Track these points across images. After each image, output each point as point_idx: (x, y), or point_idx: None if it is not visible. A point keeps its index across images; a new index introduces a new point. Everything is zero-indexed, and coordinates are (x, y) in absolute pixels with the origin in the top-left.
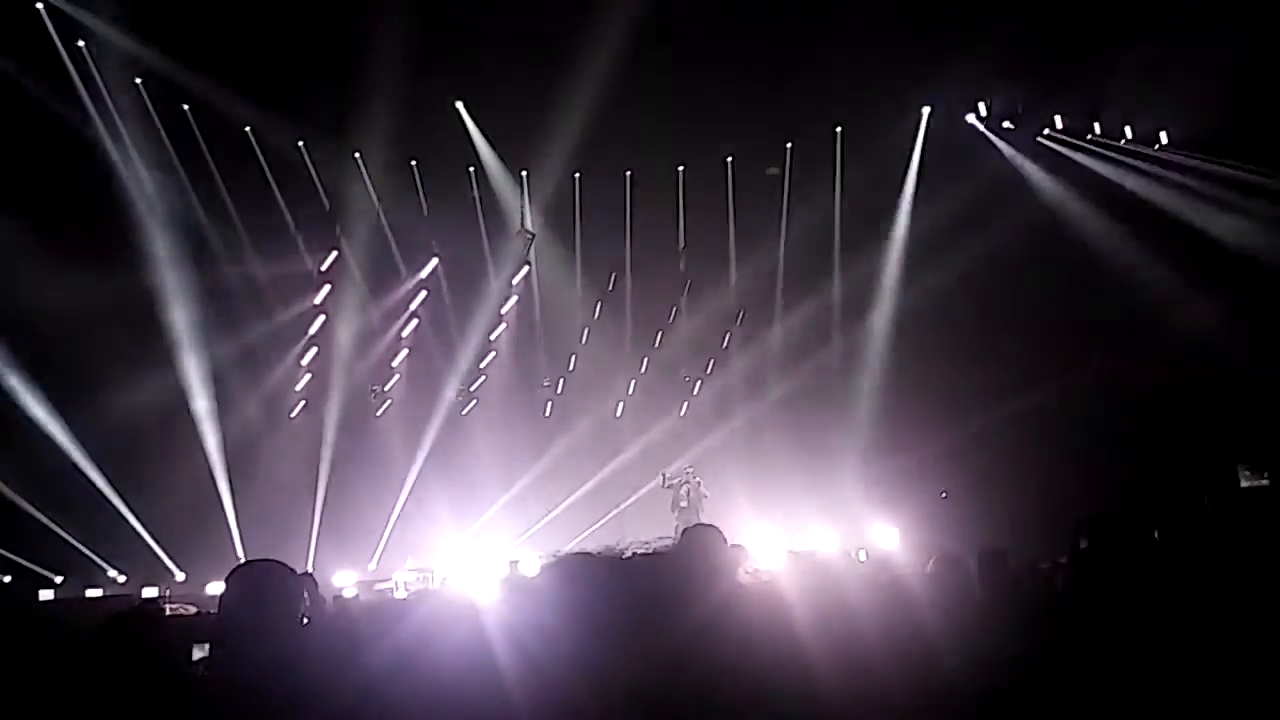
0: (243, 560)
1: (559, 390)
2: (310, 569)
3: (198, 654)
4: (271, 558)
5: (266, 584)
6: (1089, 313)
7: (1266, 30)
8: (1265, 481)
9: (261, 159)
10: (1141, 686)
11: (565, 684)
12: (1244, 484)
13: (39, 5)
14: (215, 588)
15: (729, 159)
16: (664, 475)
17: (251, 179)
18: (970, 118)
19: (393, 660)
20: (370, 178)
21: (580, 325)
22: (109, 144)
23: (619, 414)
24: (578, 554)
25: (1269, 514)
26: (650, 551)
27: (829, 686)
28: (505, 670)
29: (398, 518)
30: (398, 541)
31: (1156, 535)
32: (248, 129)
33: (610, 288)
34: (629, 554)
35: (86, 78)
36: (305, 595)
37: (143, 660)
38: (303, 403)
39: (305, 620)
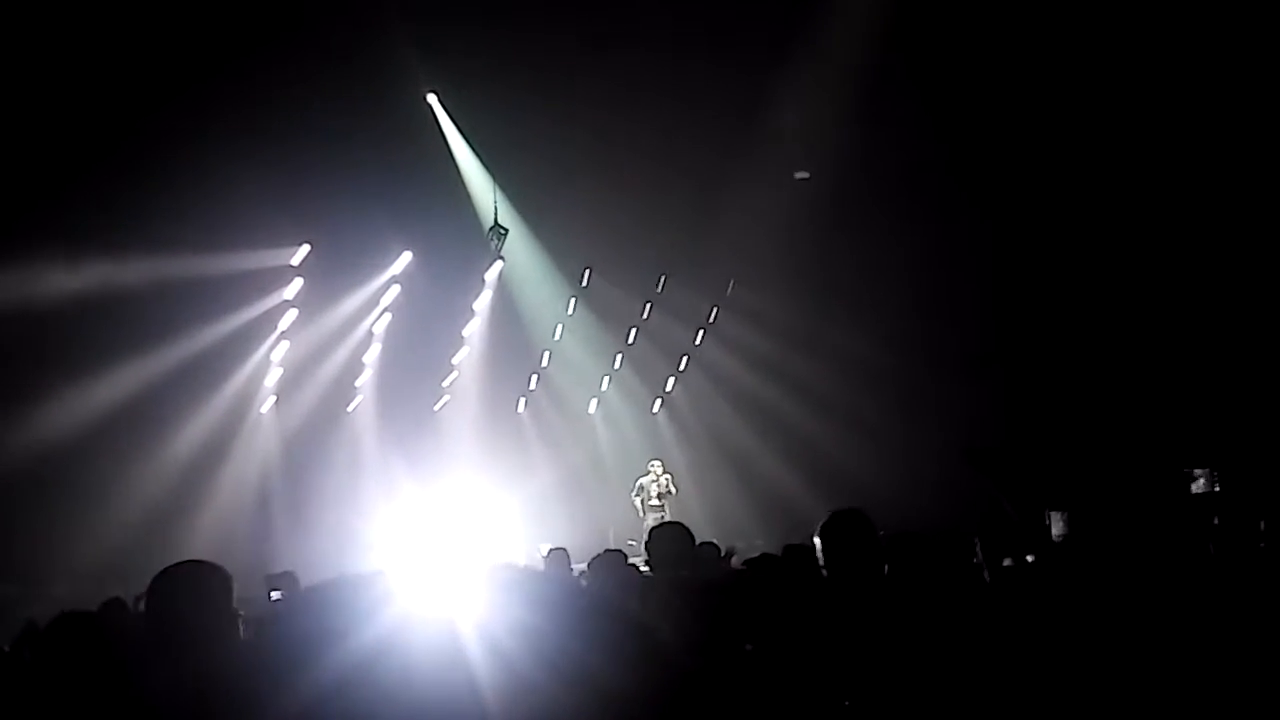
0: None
1: (531, 386)
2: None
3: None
4: (197, 559)
5: (184, 590)
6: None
7: None
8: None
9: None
10: None
11: (549, 691)
12: (1196, 490)
13: None
14: None
15: None
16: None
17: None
18: None
19: (359, 659)
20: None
21: (553, 321)
22: None
23: (591, 410)
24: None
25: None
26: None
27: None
28: (481, 673)
29: (369, 514)
30: (366, 538)
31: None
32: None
33: (584, 284)
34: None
35: None
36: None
37: (83, 667)
38: (273, 398)
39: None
